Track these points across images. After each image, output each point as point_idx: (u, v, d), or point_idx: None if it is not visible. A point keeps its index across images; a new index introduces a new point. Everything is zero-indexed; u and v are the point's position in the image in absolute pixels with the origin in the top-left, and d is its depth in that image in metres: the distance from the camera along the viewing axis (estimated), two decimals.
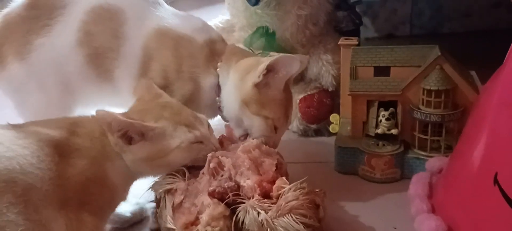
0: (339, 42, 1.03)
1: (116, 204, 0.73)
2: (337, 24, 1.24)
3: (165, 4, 0.94)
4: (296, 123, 1.15)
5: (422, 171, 0.90)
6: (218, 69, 0.88)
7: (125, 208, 0.84)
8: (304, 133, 1.17)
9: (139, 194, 0.82)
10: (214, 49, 0.89)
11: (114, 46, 0.87)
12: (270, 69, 0.81)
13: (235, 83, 0.85)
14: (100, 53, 0.87)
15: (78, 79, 0.88)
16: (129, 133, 0.70)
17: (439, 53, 0.88)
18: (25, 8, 0.88)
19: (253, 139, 0.80)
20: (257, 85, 0.82)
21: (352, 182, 0.96)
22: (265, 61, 0.81)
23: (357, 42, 1.01)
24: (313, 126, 1.15)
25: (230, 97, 0.86)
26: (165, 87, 0.85)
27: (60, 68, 0.88)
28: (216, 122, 0.91)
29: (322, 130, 1.16)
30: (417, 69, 0.91)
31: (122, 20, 0.87)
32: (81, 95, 0.90)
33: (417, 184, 0.85)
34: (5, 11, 0.90)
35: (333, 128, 1.08)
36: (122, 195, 0.73)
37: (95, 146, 0.69)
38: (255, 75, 0.81)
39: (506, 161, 0.65)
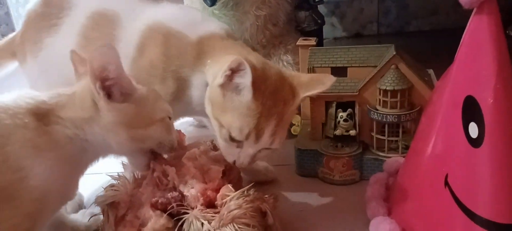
0: (297, 43, 1.01)
1: (52, 207, 0.65)
2: (299, 24, 1.23)
3: (165, 2, 0.91)
4: None
5: (381, 172, 0.89)
6: (206, 66, 0.80)
7: (80, 221, 0.80)
8: None
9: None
10: (208, 46, 0.81)
11: None
12: (233, 71, 0.70)
13: (212, 79, 0.77)
14: None
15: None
16: (113, 87, 0.63)
17: (394, 53, 0.86)
18: (41, 5, 0.91)
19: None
20: (222, 87, 0.72)
21: (312, 185, 0.94)
22: (230, 60, 0.69)
23: (314, 43, 0.99)
24: None
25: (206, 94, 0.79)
26: (148, 83, 0.80)
27: (62, 69, 0.85)
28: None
29: None
30: (373, 69, 0.89)
31: (116, 23, 0.86)
32: None
33: (374, 186, 0.84)
34: (29, 6, 0.93)
35: (294, 130, 1.06)
36: (63, 194, 0.65)
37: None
38: (219, 75, 0.72)
39: (455, 162, 0.64)
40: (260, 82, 0.71)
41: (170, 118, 0.72)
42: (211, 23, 0.87)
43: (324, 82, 0.74)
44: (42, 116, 0.63)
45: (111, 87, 0.63)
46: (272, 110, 0.72)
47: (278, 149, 0.77)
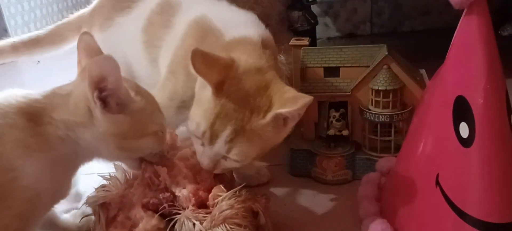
0: (290, 43, 1.01)
1: (44, 207, 0.65)
2: (292, 24, 1.23)
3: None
4: None
5: (373, 172, 0.89)
6: None
7: (71, 221, 0.80)
8: None
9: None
10: (235, 49, 0.77)
11: (162, 35, 0.88)
12: None
13: None
14: (152, 41, 0.90)
15: (137, 63, 0.92)
16: (109, 97, 0.62)
17: (386, 53, 0.87)
18: None
19: None
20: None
21: (305, 185, 0.94)
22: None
23: (307, 43, 0.99)
24: None
25: None
26: (177, 72, 0.82)
27: (126, 50, 0.91)
28: None
29: None
30: (365, 69, 0.90)
31: (176, 11, 0.88)
32: (137, 80, 0.87)
33: (366, 186, 0.84)
34: None
35: None
36: (55, 194, 0.65)
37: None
38: None
39: (446, 162, 0.65)
40: (230, 83, 0.68)
41: (163, 132, 0.71)
42: (252, 28, 0.83)
43: (297, 101, 0.67)
44: (34, 115, 0.63)
45: (107, 97, 0.62)
46: (231, 115, 0.67)
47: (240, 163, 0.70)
